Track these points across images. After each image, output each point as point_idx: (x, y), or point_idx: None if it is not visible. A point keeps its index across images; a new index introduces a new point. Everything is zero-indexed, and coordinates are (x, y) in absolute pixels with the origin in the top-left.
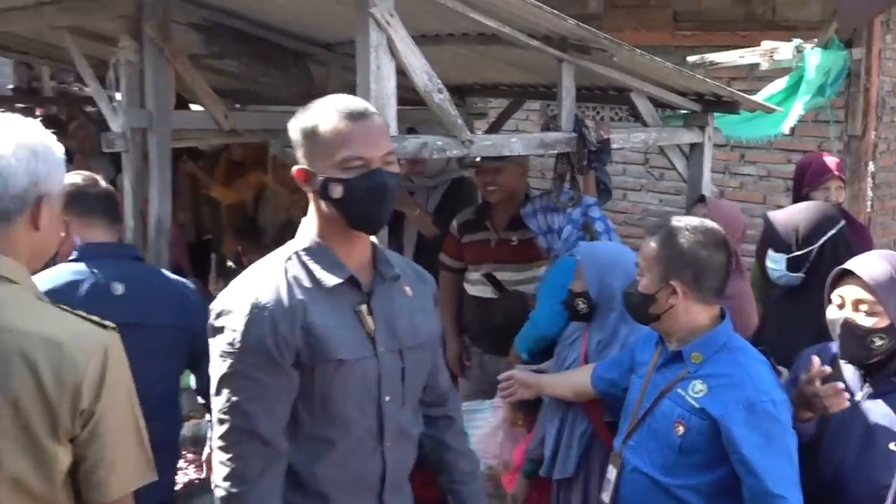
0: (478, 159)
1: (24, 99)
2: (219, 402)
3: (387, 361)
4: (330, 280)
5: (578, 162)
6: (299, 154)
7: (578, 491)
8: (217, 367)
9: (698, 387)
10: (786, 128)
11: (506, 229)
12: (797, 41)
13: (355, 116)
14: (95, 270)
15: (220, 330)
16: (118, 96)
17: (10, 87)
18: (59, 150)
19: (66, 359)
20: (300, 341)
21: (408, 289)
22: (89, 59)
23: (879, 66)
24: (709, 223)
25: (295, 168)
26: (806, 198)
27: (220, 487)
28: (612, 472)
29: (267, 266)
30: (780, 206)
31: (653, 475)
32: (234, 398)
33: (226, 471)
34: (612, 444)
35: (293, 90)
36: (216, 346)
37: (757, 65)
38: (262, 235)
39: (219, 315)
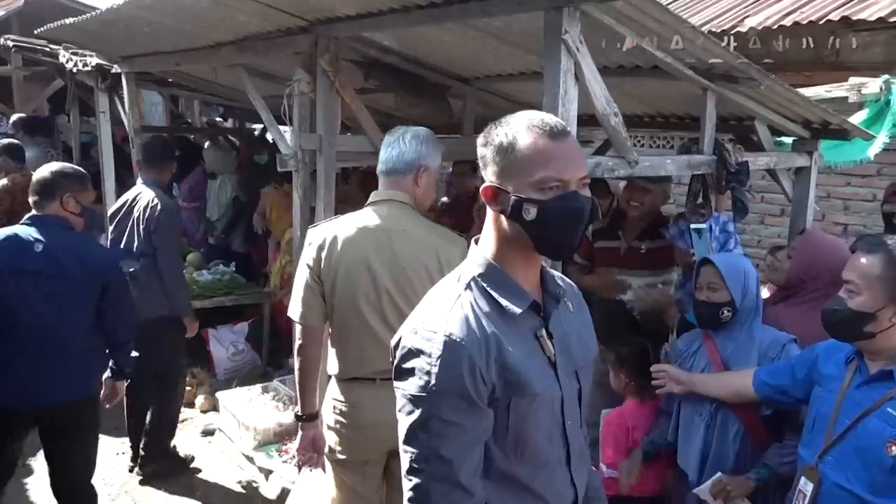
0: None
1: (178, 129)
2: (412, 451)
3: (567, 385)
4: (515, 308)
5: (717, 182)
6: (489, 171)
7: None
8: (408, 412)
9: None
10: (871, 154)
11: (637, 239)
12: (885, 76)
13: (556, 134)
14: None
15: (410, 372)
16: (286, 129)
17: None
18: (437, 142)
19: (451, 248)
20: (496, 377)
21: (570, 304)
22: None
23: None
24: None
25: (483, 185)
26: (884, 211)
27: None
28: (807, 486)
29: (446, 295)
30: (838, 224)
31: (859, 493)
32: (431, 445)
33: None
34: (800, 453)
35: (437, 119)
36: (405, 390)
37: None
38: None
39: (406, 356)
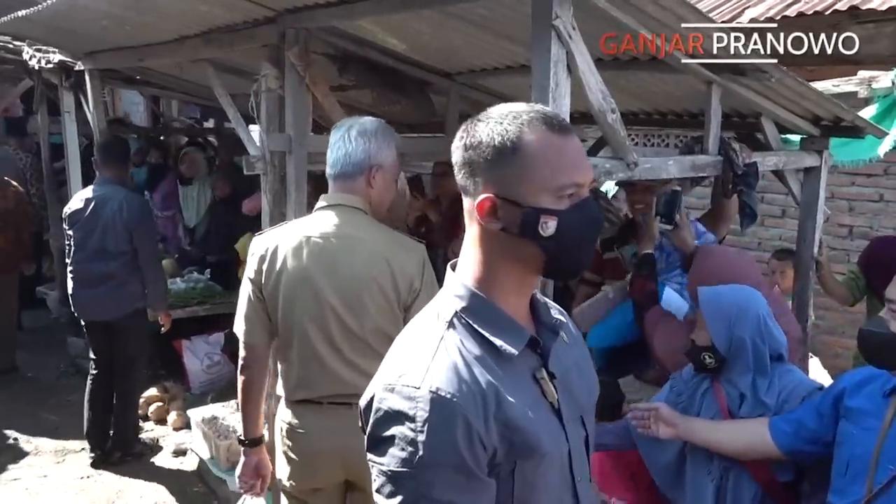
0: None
1: (156, 130)
2: None
3: (573, 435)
4: (512, 348)
5: (723, 185)
6: (482, 180)
7: None
8: (389, 494)
9: None
10: (882, 151)
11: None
12: None
13: (563, 130)
14: None
15: (389, 442)
16: (254, 129)
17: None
18: (388, 134)
19: (405, 257)
20: (497, 439)
21: (563, 334)
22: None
23: None
24: None
25: (479, 198)
26: None
27: None
28: None
29: (425, 338)
30: (842, 226)
31: None
32: None
33: None
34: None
35: (418, 117)
36: (384, 465)
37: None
38: None
39: (382, 422)
